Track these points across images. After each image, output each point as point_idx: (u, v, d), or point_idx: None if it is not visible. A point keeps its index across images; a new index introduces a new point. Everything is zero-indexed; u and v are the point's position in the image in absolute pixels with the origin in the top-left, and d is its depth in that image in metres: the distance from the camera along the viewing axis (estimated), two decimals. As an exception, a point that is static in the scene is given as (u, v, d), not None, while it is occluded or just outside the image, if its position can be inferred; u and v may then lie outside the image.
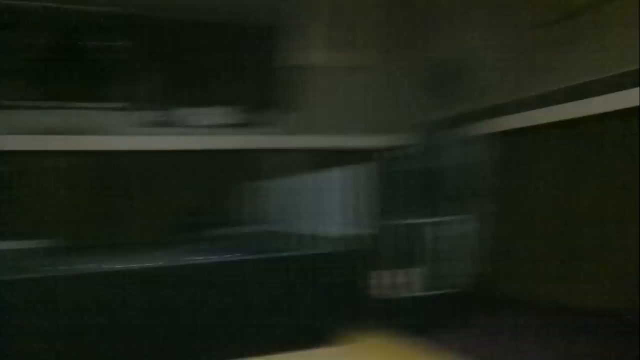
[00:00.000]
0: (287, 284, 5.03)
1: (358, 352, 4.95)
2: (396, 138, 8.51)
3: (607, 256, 5.57)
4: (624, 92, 5.10)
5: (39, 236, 5.39)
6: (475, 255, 5.85)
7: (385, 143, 8.76)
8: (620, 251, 5.49)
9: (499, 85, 7.40)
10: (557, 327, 5.43)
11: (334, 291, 5.14)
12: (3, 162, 6.78)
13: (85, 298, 4.48)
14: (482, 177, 6.56)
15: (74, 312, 4.43)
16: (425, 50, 8.36)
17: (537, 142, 6.54)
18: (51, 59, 7.20)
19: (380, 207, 8.56)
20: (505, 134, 6.69)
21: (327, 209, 5.88)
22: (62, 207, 7.22)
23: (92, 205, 8.00)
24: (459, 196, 6.04)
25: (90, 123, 8.02)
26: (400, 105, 9.20)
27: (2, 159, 6.71)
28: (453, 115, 7.66)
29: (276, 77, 8.93)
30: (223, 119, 8.59)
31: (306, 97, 8.95)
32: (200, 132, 8.37)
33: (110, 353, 4.50)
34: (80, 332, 4.41)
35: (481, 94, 7.52)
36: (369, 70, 9.57)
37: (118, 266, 4.94)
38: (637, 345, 4.59)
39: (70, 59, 7.37)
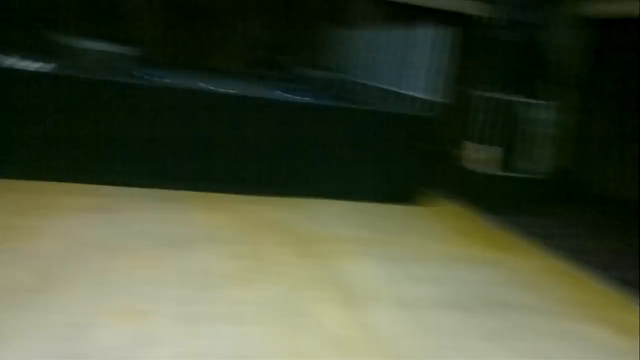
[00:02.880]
0: (367, 137, 5.05)
1: (428, 214, 5.17)
2: (490, 7, 7.99)
3: None
4: None
5: (132, 43, 5.36)
6: (560, 146, 5.74)
7: (479, 10, 8.25)
8: None
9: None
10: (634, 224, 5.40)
11: (412, 152, 5.21)
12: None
13: (166, 111, 4.86)
14: (576, 65, 6.27)
15: (154, 123, 4.82)
16: None
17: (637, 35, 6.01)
18: None
19: (468, 76, 8.29)
20: (608, 22, 6.19)
21: (412, 68, 5.76)
22: (156, 23, 7.13)
23: (184, 28, 7.91)
24: (552, 81, 5.81)
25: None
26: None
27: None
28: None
29: None
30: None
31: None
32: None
33: (185, 164, 4.96)
34: (156, 141, 4.85)
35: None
36: None
37: (202, 87, 5.00)
38: None
39: None
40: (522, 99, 5.60)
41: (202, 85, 5.16)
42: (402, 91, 6.02)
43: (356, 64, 6.74)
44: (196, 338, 2.57)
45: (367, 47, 6.96)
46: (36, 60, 4.88)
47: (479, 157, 5.64)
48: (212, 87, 5.07)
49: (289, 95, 5.42)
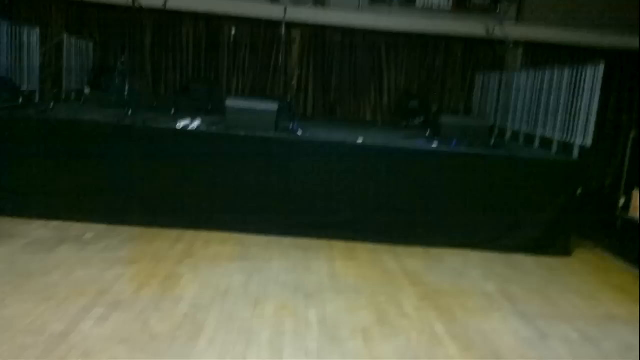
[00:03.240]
0: (511, 184, 4.92)
1: (575, 266, 4.86)
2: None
3: None
4: None
5: (280, 100, 5.82)
6: None
7: (632, 44, 7.69)
8: None
9: None
10: None
11: (560, 199, 4.94)
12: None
13: (302, 162, 5.25)
14: None
15: (290, 174, 5.31)
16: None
17: None
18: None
19: (623, 118, 7.73)
20: None
21: (559, 111, 5.50)
22: (299, 80, 7.70)
23: (320, 77, 8.41)
24: None
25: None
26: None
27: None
28: None
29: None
30: (449, 2, 8.21)
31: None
32: (429, 14, 8.11)
33: (315, 213, 5.31)
34: (290, 192, 5.29)
35: None
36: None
37: (341, 138, 5.25)
38: None
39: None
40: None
41: (341, 137, 5.43)
42: (549, 136, 5.76)
43: (500, 109, 6.59)
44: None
45: (512, 92, 6.79)
46: (198, 120, 5.55)
47: (636, 205, 5.14)
48: (350, 139, 5.31)
49: (427, 144, 5.46)
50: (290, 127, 5.58)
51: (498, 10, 7.90)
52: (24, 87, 6.22)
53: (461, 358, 3.12)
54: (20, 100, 5.77)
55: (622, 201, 5.32)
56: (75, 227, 4.73)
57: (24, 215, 4.84)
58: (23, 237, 4.41)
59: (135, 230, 4.81)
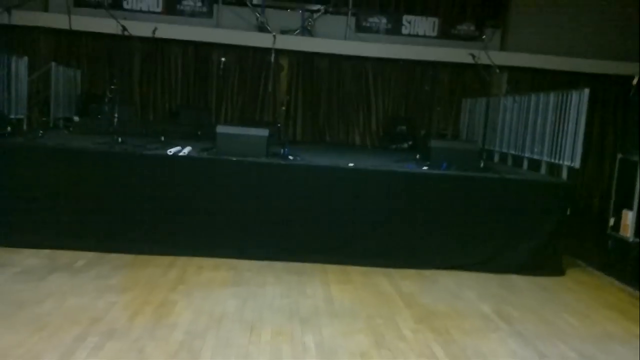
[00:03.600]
0: (501, 206, 4.97)
1: (570, 286, 4.90)
2: (624, 66, 7.63)
3: None
4: None
5: (270, 126, 5.84)
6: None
7: (611, 69, 7.90)
8: None
9: None
10: None
11: (551, 220, 4.99)
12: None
13: (295, 186, 5.25)
14: None
15: (282, 198, 5.31)
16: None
17: None
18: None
19: (610, 140, 7.87)
20: None
21: (548, 134, 5.60)
22: (288, 106, 7.74)
23: (308, 103, 8.48)
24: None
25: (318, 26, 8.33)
26: (629, 28, 8.08)
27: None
28: None
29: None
30: (435, 29, 8.38)
31: (519, 14, 8.29)
32: (415, 41, 8.26)
33: (308, 237, 5.31)
34: (281, 216, 5.31)
35: None
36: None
37: (332, 163, 5.30)
38: None
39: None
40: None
41: (331, 161, 5.46)
42: (538, 158, 5.86)
43: (489, 133, 6.70)
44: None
45: (500, 116, 6.91)
46: (189, 146, 5.54)
47: (626, 224, 5.21)
48: (341, 163, 5.34)
49: (417, 167, 5.51)
50: (281, 152, 5.61)
51: (482, 38, 8.08)
52: (12, 116, 6.19)
53: (461, 380, 3.11)
54: (9, 128, 5.73)
55: (612, 221, 5.39)
56: (65, 255, 4.66)
57: (13, 245, 4.74)
58: (13, 266, 4.33)
59: (127, 258, 4.74)
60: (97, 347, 3.09)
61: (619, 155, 5.54)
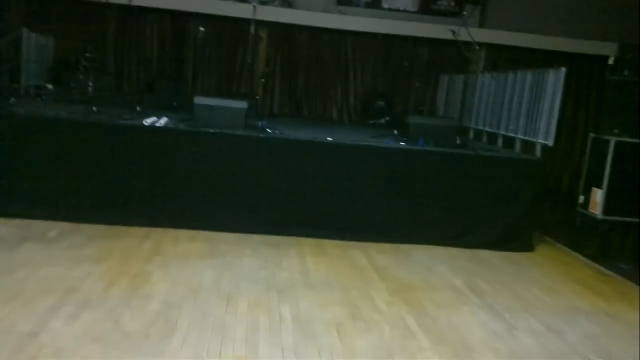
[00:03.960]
0: (475, 182, 5.05)
1: (538, 261, 5.03)
2: (600, 46, 7.72)
3: None
4: None
5: (248, 98, 5.79)
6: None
7: (588, 49, 7.99)
8: None
9: None
10: None
11: (522, 197, 5.09)
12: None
13: (272, 160, 5.25)
14: None
15: (259, 172, 5.32)
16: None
17: None
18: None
19: (582, 118, 7.99)
20: None
21: (523, 112, 5.67)
22: (267, 78, 7.65)
23: (286, 77, 8.40)
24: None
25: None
26: (607, 8, 8.15)
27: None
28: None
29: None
30: (415, 4, 8.34)
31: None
32: (395, 16, 8.21)
33: (285, 211, 5.33)
34: (261, 190, 5.33)
35: None
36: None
37: (309, 137, 5.31)
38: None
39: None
40: (624, 139, 5.24)
41: (309, 135, 5.46)
42: (513, 135, 5.94)
43: (466, 110, 6.75)
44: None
45: (477, 93, 6.95)
46: (165, 117, 5.46)
47: (595, 202, 5.34)
48: (319, 137, 5.34)
49: (395, 143, 5.54)
50: (259, 125, 5.57)
51: (462, 14, 8.07)
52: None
53: (434, 351, 3.17)
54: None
55: (581, 198, 5.52)
56: (37, 225, 4.59)
57: (-18, 214, 4.71)
58: (-17, 236, 4.30)
59: (101, 228, 4.70)
60: (72, 316, 3.08)
61: (591, 134, 5.64)
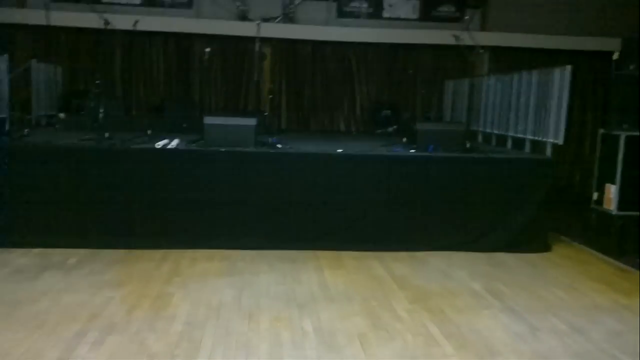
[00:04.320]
0: (489, 185, 5.04)
1: (557, 261, 5.04)
2: (603, 42, 7.72)
3: None
4: None
5: (255, 115, 5.83)
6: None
7: (591, 46, 7.99)
8: None
9: None
10: None
11: (537, 198, 5.08)
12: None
13: (283, 174, 5.28)
14: None
15: (271, 186, 5.33)
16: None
17: None
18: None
19: (591, 115, 7.96)
20: None
21: (532, 112, 5.68)
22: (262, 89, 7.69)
23: (293, 91, 8.46)
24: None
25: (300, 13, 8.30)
26: (608, 4, 8.15)
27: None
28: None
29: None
30: (415, 12, 8.39)
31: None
32: (396, 25, 8.26)
33: (299, 224, 5.36)
34: (272, 204, 5.34)
35: None
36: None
37: (318, 150, 5.33)
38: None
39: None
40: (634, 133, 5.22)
41: (319, 148, 5.50)
42: (522, 136, 5.94)
43: (473, 113, 6.76)
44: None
45: (483, 96, 6.97)
46: (176, 139, 5.51)
47: (609, 198, 5.32)
48: (329, 150, 5.38)
49: (405, 151, 5.56)
50: (270, 140, 5.62)
51: (464, 19, 8.11)
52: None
53: (458, 356, 3.17)
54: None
55: (595, 195, 5.49)
56: (56, 254, 4.65)
57: (2, 245, 4.71)
58: (5, 266, 4.32)
59: (119, 253, 4.75)
60: (97, 342, 3.12)
61: (601, 130, 5.64)
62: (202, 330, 3.34)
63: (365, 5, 8.58)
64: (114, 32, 5.69)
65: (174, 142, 5.37)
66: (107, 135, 5.35)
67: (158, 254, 4.78)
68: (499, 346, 3.30)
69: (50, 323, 3.33)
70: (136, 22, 6.12)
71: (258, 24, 6.27)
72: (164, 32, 8.11)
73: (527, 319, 3.71)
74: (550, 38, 8.17)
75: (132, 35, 7.41)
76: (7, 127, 5.68)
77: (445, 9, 8.56)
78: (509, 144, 6.28)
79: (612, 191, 5.35)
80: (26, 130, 5.69)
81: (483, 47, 6.46)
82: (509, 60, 8.22)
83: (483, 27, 8.52)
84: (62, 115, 7.03)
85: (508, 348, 3.29)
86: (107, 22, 5.47)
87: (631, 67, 5.57)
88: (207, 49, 6.35)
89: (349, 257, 4.93)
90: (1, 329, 3.24)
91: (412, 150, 5.57)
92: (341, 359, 3.08)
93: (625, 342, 3.44)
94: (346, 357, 3.10)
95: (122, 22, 6.38)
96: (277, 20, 8.27)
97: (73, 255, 4.64)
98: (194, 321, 3.46)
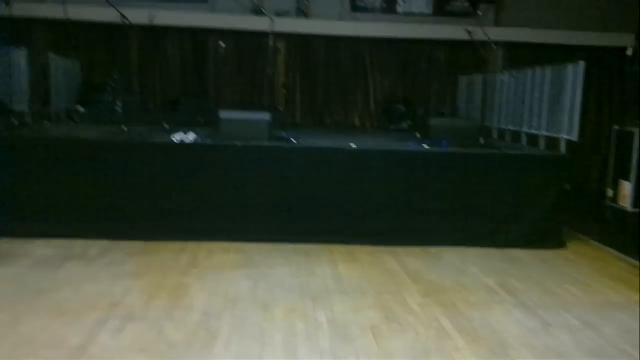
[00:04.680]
0: (502, 181, 5.06)
1: (570, 258, 5.05)
2: (617, 37, 7.67)
3: None
4: None
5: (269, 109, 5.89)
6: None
7: (605, 42, 7.95)
8: None
9: None
10: None
11: (551, 194, 5.10)
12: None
13: (297, 168, 5.33)
14: None
15: (285, 181, 5.34)
16: None
17: None
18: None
19: (606, 112, 7.92)
20: None
21: (545, 109, 5.68)
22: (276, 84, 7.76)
23: (306, 86, 8.51)
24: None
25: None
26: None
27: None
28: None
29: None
30: (429, 7, 8.39)
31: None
32: (410, 20, 8.28)
33: (312, 218, 5.38)
34: (286, 198, 5.36)
35: None
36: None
37: (331, 145, 5.36)
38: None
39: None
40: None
41: (333, 143, 5.55)
42: (536, 132, 5.94)
43: (487, 109, 6.76)
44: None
45: (497, 92, 6.97)
46: (192, 133, 5.59)
47: (624, 194, 5.32)
48: (346, 144, 5.43)
49: (418, 146, 5.59)
50: (284, 135, 5.69)
51: (477, 14, 8.10)
52: (14, 109, 6.23)
53: (470, 350, 3.21)
54: (16, 121, 5.79)
55: (610, 192, 5.49)
56: (77, 244, 4.76)
57: (25, 235, 4.83)
58: (28, 257, 4.43)
59: (138, 245, 4.84)
60: (118, 329, 3.20)
61: (615, 127, 5.62)
62: (219, 320, 3.41)
63: (379, -1, 8.61)
64: (131, 26, 5.77)
65: (190, 136, 5.45)
66: (125, 128, 5.44)
67: (176, 245, 4.86)
68: (511, 340, 3.33)
69: (72, 311, 3.42)
70: (153, 17, 6.21)
71: (272, 19, 6.31)
72: (180, 26, 8.21)
73: (540, 314, 3.74)
74: (564, 33, 8.14)
75: (149, 30, 7.51)
76: (26, 119, 5.81)
77: (459, 4, 8.55)
78: (523, 140, 6.28)
79: (626, 188, 5.34)
80: (46, 123, 5.81)
81: (496, 42, 6.45)
82: (522, 55, 8.20)
83: (497, 22, 8.50)
84: (81, 108, 7.15)
85: (519, 342, 3.31)
86: (124, 17, 5.55)
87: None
88: (221, 44, 6.42)
89: (363, 252, 4.98)
90: (25, 317, 3.33)
91: (426, 146, 5.60)
92: (354, 350, 3.13)
93: (637, 338, 3.45)
94: (359, 349, 3.15)
95: (138, 16, 6.47)
96: (290, 15, 8.31)
97: (93, 246, 4.74)
98: (211, 311, 3.53)
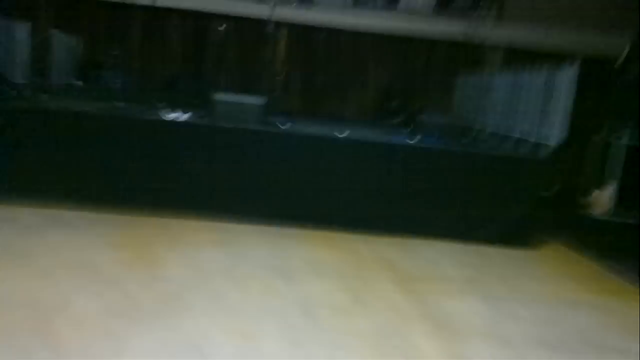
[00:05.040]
0: (480, 180, 5.18)
1: (538, 257, 5.21)
2: (613, 41, 7.70)
3: None
4: None
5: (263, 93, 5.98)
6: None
7: (599, 46, 7.98)
8: None
9: None
10: None
11: (525, 196, 5.20)
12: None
13: (286, 154, 5.43)
14: None
15: (274, 166, 5.44)
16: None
17: None
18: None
19: (586, 117, 7.93)
20: None
21: (528, 112, 5.77)
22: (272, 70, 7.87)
23: (303, 74, 8.59)
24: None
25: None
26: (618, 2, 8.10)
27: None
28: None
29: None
30: (431, 3, 8.45)
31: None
32: (411, 15, 8.34)
33: (296, 203, 5.44)
34: (274, 182, 5.42)
35: None
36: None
37: (321, 132, 5.43)
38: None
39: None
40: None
41: (323, 131, 5.67)
42: (518, 135, 6.04)
43: (474, 109, 6.85)
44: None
45: (485, 92, 7.05)
46: (186, 112, 5.71)
47: (595, 201, 5.43)
48: (332, 133, 5.59)
49: (405, 140, 5.70)
50: (276, 120, 5.79)
51: (478, 12, 8.16)
52: (16, 81, 6.34)
53: (435, 335, 3.36)
54: (15, 92, 5.90)
55: (589, 199, 5.59)
56: (66, 214, 4.88)
57: (15, 203, 4.95)
58: (15, 223, 4.56)
59: (123, 218, 4.98)
60: (96, 294, 3.35)
61: (596, 138, 5.70)
62: (194, 292, 3.55)
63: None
64: (133, 6, 5.87)
65: (184, 116, 5.57)
66: (120, 104, 5.56)
67: (161, 221, 5.00)
68: (472, 329, 3.47)
69: (52, 276, 3.56)
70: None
71: (274, 6, 6.41)
72: (182, 9, 8.30)
73: (503, 308, 3.87)
74: (562, 35, 8.15)
75: (150, 11, 7.60)
76: (25, 91, 5.92)
77: (461, 2, 8.62)
78: (511, 141, 6.36)
79: (606, 195, 5.46)
80: (44, 96, 5.91)
81: (496, 42, 6.51)
82: (522, 56, 8.24)
83: (497, 22, 8.55)
84: (79, 83, 7.26)
85: (480, 331, 3.46)
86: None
87: (634, 72, 5.64)
88: (221, 27, 6.51)
89: (341, 238, 5.11)
90: (6, 278, 3.47)
91: (415, 140, 5.70)
92: (323, 328, 3.28)
93: (588, 337, 3.59)
94: (329, 327, 3.29)
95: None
96: (293, 4, 8.39)
97: (81, 218, 4.87)
98: (187, 284, 3.68)
